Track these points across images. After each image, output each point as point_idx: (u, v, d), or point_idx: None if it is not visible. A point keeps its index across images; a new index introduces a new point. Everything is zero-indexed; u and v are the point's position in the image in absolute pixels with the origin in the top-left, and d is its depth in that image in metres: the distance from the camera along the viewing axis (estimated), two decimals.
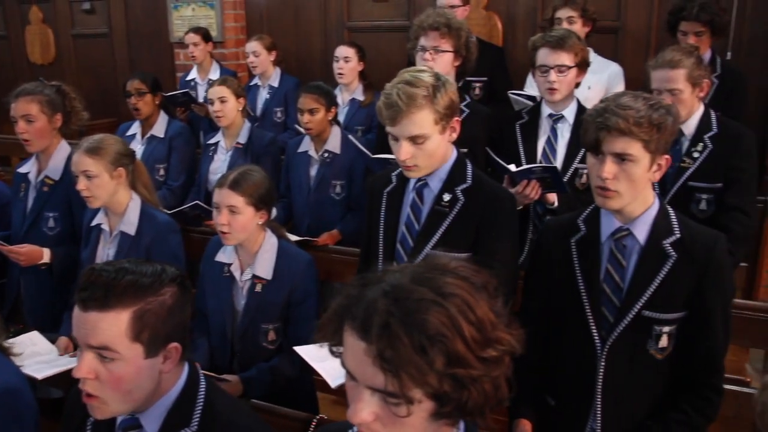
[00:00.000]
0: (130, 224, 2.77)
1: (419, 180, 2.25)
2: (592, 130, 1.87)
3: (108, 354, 1.43)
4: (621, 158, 1.85)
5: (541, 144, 3.01)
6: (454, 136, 2.19)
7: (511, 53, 4.51)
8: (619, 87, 3.93)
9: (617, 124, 1.81)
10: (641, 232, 1.95)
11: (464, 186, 2.23)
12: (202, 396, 1.57)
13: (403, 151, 2.10)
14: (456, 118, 2.16)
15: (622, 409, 2.00)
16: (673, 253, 1.92)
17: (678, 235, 1.94)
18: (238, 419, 1.58)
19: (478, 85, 4.09)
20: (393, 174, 2.36)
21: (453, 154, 2.25)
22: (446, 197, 2.22)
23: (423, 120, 2.07)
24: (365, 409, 1.05)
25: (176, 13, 5.45)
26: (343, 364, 1.09)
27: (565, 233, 2.08)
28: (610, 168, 1.85)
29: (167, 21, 5.65)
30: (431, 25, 3.06)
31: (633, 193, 1.90)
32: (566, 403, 2.09)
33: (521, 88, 4.09)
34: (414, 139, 2.09)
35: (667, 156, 1.91)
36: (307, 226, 3.71)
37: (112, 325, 1.42)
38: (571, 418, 2.06)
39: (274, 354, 2.56)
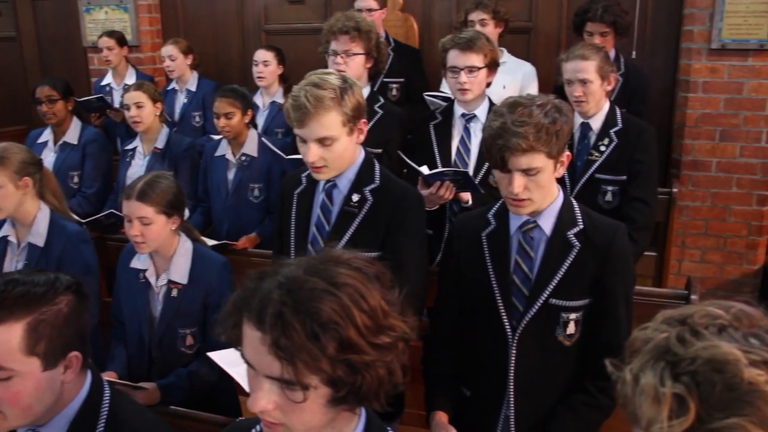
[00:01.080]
0: (38, 235, 2.69)
1: (328, 181, 2.27)
2: (495, 151, 1.91)
3: (2, 374, 1.39)
4: (527, 172, 1.92)
5: (454, 144, 3.08)
6: (362, 137, 2.22)
7: (427, 54, 4.57)
8: (533, 86, 4.06)
9: (518, 145, 1.86)
10: (547, 224, 2.04)
11: (372, 186, 2.26)
12: (107, 405, 1.54)
13: (312, 153, 2.12)
14: (363, 120, 2.19)
15: (535, 396, 2.07)
16: (577, 243, 2.01)
17: (581, 226, 2.03)
18: (143, 427, 1.56)
19: (395, 86, 4.14)
20: (303, 175, 2.38)
21: (361, 155, 2.28)
22: (355, 198, 2.25)
23: (331, 122, 2.09)
24: (264, 397, 1.09)
25: (88, 17, 5.30)
26: (243, 356, 1.11)
27: (475, 227, 2.14)
28: (519, 183, 1.92)
29: (79, 24, 5.48)
30: (341, 29, 3.09)
31: (543, 197, 1.99)
32: (481, 393, 2.15)
33: (438, 89, 4.16)
34: (322, 141, 2.11)
35: (567, 153, 2.00)
36: (227, 230, 3.69)
37: (4, 342, 1.38)
38: (486, 407, 2.13)
39: (192, 359, 2.53)
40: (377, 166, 2.30)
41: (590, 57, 2.98)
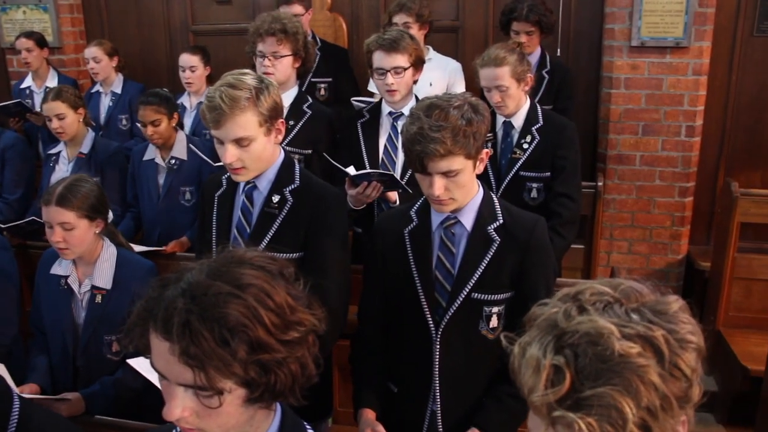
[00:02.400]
0: None
1: (248, 183, 2.25)
2: (414, 156, 1.93)
3: None
4: (447, 174, 1.94)
5: (382, 141, 3.09)
6: (280, 137, 2.21)
7: (356, 54, 4.57)
8: (460, 82, 4.12)
9: (437, 150, 1.88)
10: (468, 219, 2.07)
11: (292, 187, 2.24)
12: (16, 416, 1.50)
13: (229, 154, 2.09)
14: (281, 120, 2.18)
15: (460, 390, 2.11)
16: (497, 237, 2.05)
17: (501, 221, 2.07)
18: None
19: (323, 86, 4.13)
20: (223, 177, 2.35)
21: (281, 156, 2.26)
22: (275, 198, 2.24)
23: (247, 122, 2.08)
24: (179, 406, 1.08)
25: (5, 17, 5.09)
26: (153, 366, 1.10)
27: (398, 225, 2.16)
28: (440, 185, 1.94)
29: None
30: (267, 30, 3.06)
31: (465, 195, 2.02)
32: (407, 389, 2.18)
33: (365, 88, 4.19)
34: (239, 142, 2.09)
35: (486, 150, 2.03)
36: (159, 235, 3.62)
37: None
38: (413, 403, 2.15)
39: (119, 366, 2.48)
40: (297, 167, 2.29)
41: (503, 63, 2.98)
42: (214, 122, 2.07)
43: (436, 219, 2.10)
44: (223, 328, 1.03)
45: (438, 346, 2.08)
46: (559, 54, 4.53)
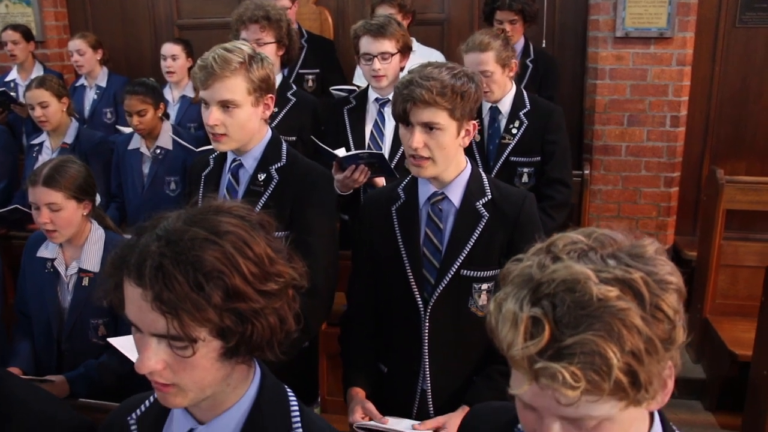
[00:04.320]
0: None
1: (234, 160, 2.23)
2: (399, 102, 1.94)
3: None
4: (429, 127, 1.93)
5: (368, 128, 3.09)
6: (268, 113, 2.19)
7: (342, 46, 4.58)
8: None
9: (422, 96, 1.89)
10: (455, 195, 2.05)
11: (279, 165, 2.22)
12: None
13: (212, 117, 2.07)
14: (270, 96, 2.17)
15: (450, 368, 2.09)
16: (486, 213, 2.04)
17: (489, 196, 2.06)
18: (36, 403, 1.49)
19: (310, 77, 4.14)
20: (211, 157, 2.33)
21: (268, 134, 2.24)
22: (261, 176, 2.21)
23: (236, 86, 2.06)
24: (152, 357, 1.04)
25: None
26: (126, 317, 1.07)
27: (385, 202, 2.15)
28: (419, 138, 1.93)
29: None
30: (250, 18, 3.06)
31: (445, 160, 1.98)
32: (397, 368, 2.16)
33: (351, 80, 4.18)
34: (224, 104, 2.06)
35: (474, 122, 2.02)
36: None
37: None
38: (403, 381, 2.13)
39: (104, 350, 2.44)
40: (284, 146, 2.27)
41: (487, 48, 3.00)
42: (203, 81, 2.05)
43: (423, 195, 2.08)
44: (198, 273, 0.99)
45: (427, 324, 2.06)
46: (544, 45, 4.55)
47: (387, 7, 3.93)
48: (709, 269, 3.91)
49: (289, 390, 1.23)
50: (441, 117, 1.91)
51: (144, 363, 1.04)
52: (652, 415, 1.03)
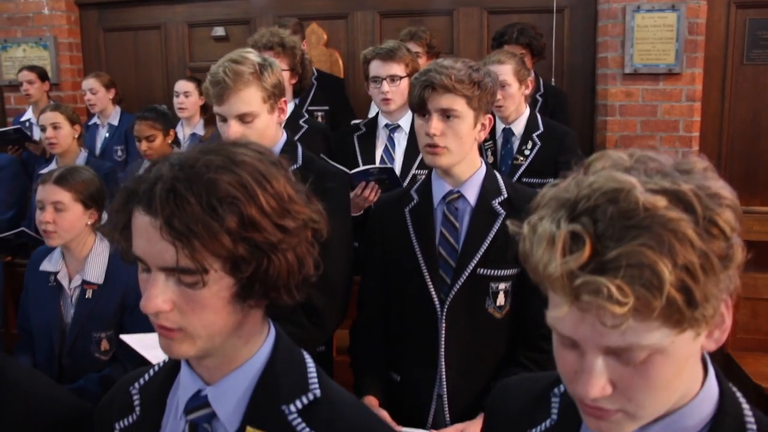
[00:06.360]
0: None
1: None
2: (418, 89, 1.93)
3: None
4: (446, 115, 1.91)
5: (378, 153, 3.08)
6: (283, 117, 2.19)
7: (352, 86, 4.64)
8: None
9: (441, 81, 1.89)
10: (471, 193, 2.01)
11: (294, 167, 2.19)
12: None
13: (232, 131, 2.05)
14: (283, 99, 2.16)
15: (467, 373, 2.00)
16: (502, 211, 1.99)
17: (505, 195, 2.02)
18: (36, 388, 1.42)
19: (319, 114, 4.16)
20: None
21: (283, 136, 2.23)
22: None
23: (251, 97, 2.05)
24: (159, 295, 0.96)
25: (5, 54, 5.14)
26: (134, 253, 0.99)
27: (398, 204, 2.11)
28: (436, 125, 1.91)
29: None
30: (265, 44, 3.09)
31: (461, 150, 1.95)
32: (412, 374, 2.07)
33: (363, 118, 4.20)
34: (242, 118, 2.05)
35: (489, 116, 2.00)
36: None
37: None
38: (418, 388, 2.04)
39: (106, 365, 2.36)
40: (300, 148, 2.25)
41: (506, 61, 3.06)
42: (218, 97, 2.04)
43: (438, 194, 2.04)
44: (211, 196, 0.93)
45: (444, 325, 1.98)
46: (553, 84, 4.58)
47: (415, 45, 3.98)
48: None
49: (305, 352, 1.16)
50: (459, 104, 1.90)
51: (150, 301, 0.96)
52: (705, 366, 0.92)
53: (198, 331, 0.99)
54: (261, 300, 1.03)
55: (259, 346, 1.09)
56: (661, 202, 0.77)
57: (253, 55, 2.11)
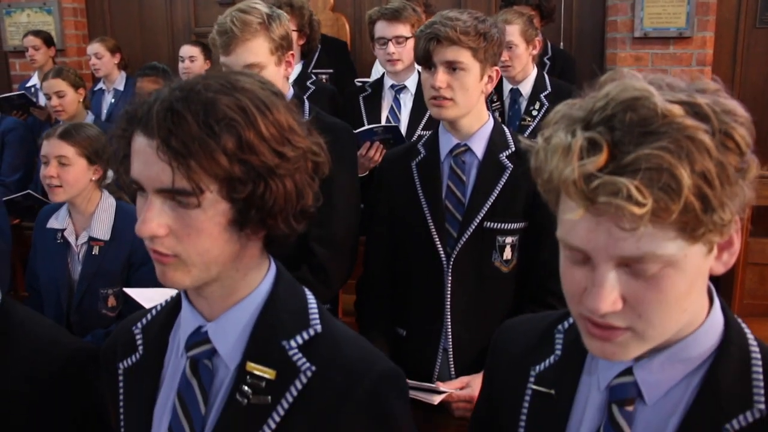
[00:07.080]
0: None
1: None
2: (423, 41, 1.90)
3: None
4: (452, 67, 1.89)
5: (384, 114, 3.06)
6: (290, 70, 2.17)
7: (358, 51, 4.61)
8: None
9: (446, 34, 1.86)
10: (479, 147, 1.99)
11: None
12: None
13: None
14: (291, 52, 2.14)
15: (472, 326, 2.00)
16: (510, 164, 1.97)
17: (513, 149, 2.00)
18: (41, 329, 1.42)
19: (324, 77, 4.12)
20: None
21: (289, 91, 2.21)
22: None
23: (258, 48, 2.03)
24: (155, 219, 0.95)
25: (9, 20, 5.11)
26: (132, 177, 0.98)
27: (404, 158, 2.09)
28: (442, 77, 1.89)
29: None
30: (274, 4, 3.06)
31: (467, 102, 1.93)
32: (417, 328, 2.07)
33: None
34: (249, 69, 2.02)
35: (496, 68, 1.97)
36: None
37: None
38: (423, 342, 2.04)
39: (114, 322, 2.37)
40: (307, 104, 2.23)
41: (513, 21, 3.01)
42: (224, 47, 2.02)
43: (445, 148, 2.02)
44: (209, 117, 0.92)
45: (450, 278, 1.98)
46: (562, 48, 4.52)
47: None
48: (737, 268, 3.78)
49: (306, 289, 1.15)
50: (464, 56, 1.87)
51: (146, 224, 0.95)
52: (711, 298, 0.92)
53: (193, 258, 0.98)
54: (258, 228, 1.01)
55: (259, 281, 1.08)
56: (678, 109, 0.76)
57: (261, 6, 2.09)
